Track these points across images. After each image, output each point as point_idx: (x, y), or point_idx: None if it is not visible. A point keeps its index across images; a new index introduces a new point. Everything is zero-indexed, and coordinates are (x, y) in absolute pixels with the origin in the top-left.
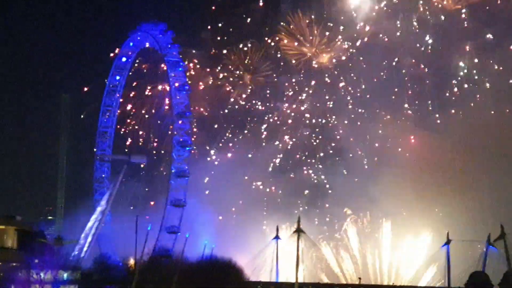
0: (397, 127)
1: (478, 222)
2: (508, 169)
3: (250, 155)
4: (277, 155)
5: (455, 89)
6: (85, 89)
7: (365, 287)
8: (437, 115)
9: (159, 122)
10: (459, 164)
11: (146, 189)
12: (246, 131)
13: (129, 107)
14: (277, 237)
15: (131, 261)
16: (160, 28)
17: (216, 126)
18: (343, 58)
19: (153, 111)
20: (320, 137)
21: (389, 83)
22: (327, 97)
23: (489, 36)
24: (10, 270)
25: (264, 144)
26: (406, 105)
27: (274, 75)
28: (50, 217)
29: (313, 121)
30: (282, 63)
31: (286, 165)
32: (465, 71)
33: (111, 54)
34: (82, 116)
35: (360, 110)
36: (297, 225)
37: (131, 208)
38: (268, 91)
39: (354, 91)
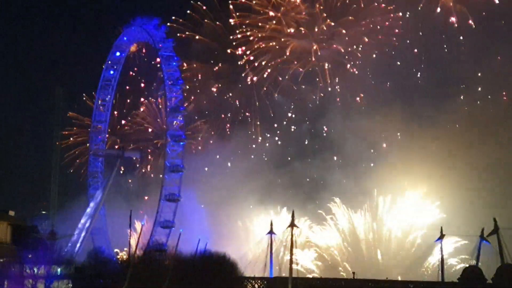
0: (389, 122)
1: (472, 216)
2: (501, 164)
3: (246, 150)
4: (273, 150)
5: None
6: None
7: (359, 282)
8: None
9: (153, 116)
10: (452, 159)
11: (140, 184)
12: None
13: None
14: (271, 232)
15: (125, 256)
16: (154, 22)
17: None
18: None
19: (148, 105)
20: (312, 131)
21: (383, 79)
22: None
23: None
24: (4, 265)
25: (260, 139)
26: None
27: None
28: (43, 212)
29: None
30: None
31: (281, 160)
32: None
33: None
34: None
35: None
36: (291, 220)
37: (125, 202)
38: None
39: (348, 86)
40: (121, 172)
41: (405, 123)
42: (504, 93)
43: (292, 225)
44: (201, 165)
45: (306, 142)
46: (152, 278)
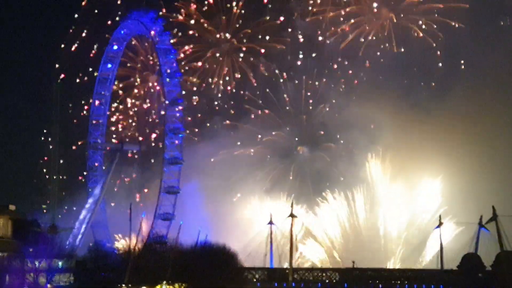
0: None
1: (470, 204)
2: (499, 151)
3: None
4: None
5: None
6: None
7: (359, 270)
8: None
9: (151, 109)
10: (451, 146)
11: (140, 177)
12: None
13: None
14: (271, 222)
15: (126, 249)
16: (150, 15)
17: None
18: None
19: (146, 99)
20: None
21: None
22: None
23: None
24: (5, 260)
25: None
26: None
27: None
28: (44, 206)
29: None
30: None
31: (288, 149)
32: None
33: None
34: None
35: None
36: (291, 210)
37: (125, 195)
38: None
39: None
40: (121, 165)
41: (402, 111)
42: None
43: (291, 215)
44: (204, 155)
45: (313, 132)
46: (153, 270)
